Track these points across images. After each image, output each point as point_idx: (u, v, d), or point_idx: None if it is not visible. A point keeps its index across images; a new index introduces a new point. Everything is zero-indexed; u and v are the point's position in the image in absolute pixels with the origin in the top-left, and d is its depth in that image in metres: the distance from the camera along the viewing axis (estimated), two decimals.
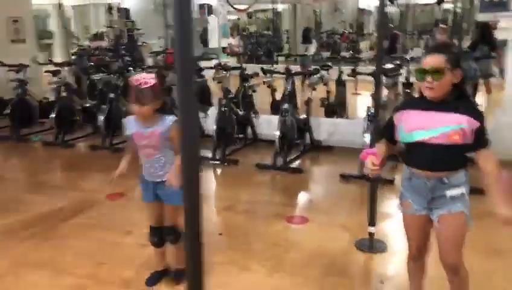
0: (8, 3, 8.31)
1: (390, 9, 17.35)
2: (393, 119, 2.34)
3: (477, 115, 2.15)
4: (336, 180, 5.06)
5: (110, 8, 14.10)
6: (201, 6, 11.78)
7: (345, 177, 5.00)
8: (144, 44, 11.21)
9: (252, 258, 3.44)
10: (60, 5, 12.68)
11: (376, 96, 3.33)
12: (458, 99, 2.19)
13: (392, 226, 3.80)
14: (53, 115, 6.51)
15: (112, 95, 6.31)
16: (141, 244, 3.42)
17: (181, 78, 1.36)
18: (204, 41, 12.18)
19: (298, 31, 14.08)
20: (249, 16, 16.56)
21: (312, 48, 10.39)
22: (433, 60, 2.15)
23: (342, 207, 4.45)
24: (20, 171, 6.02)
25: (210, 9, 11.93)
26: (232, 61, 10.46)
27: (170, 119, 2.79)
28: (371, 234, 3.56)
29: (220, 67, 6.12)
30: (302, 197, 4.89)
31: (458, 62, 2.21)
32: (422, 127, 2.19)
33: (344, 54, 12.26)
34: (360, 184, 4.63)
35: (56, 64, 7.01)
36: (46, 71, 7.30)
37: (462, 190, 2.24)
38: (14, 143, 6.89)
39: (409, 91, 6.02)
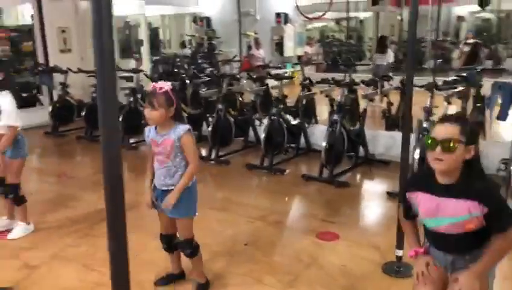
0: None
1: (486, 15, 16.15)
2: (407, 196, 2.15)
3: (487, 198, 1.90)
4: (382, 197, 4.79)
5: (195, 18, 14.71)
6: (278, 15, 11.84)
7: (391, 195, 4.69)
8: (220, 52, 11.53)
9: (269, 272, 3.37)
10: (144, 16, 13.46)
11: (404, 109, 3.08)
12: (469, 178, 1.95)
13: None
14: (120, 119, 6.92)
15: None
16: None
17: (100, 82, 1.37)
18: (281, 50, 12.24)
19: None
20: (336, 22, 16.31)
21: (388, 57, 9.90)
22: (445, 130, 1.92)
23: (379, 226, 4.19)
24: (84, 169, 6.47)
25: (286, 18, 11.94)
26: (307, 71, 10.35)
27: (182, 128, 2.81)
28: (398, 258, 3.32)
29: (270, 76, 6.08)
30: (341, 213, 4.64)
31: (473, 136, 1.98)
32: (433, 215, 2.02)
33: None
34: None
35: (126, 71, 7.43)
36: (120, 77, 7.78)
37: None
38: (87, 143, 7.44)
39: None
